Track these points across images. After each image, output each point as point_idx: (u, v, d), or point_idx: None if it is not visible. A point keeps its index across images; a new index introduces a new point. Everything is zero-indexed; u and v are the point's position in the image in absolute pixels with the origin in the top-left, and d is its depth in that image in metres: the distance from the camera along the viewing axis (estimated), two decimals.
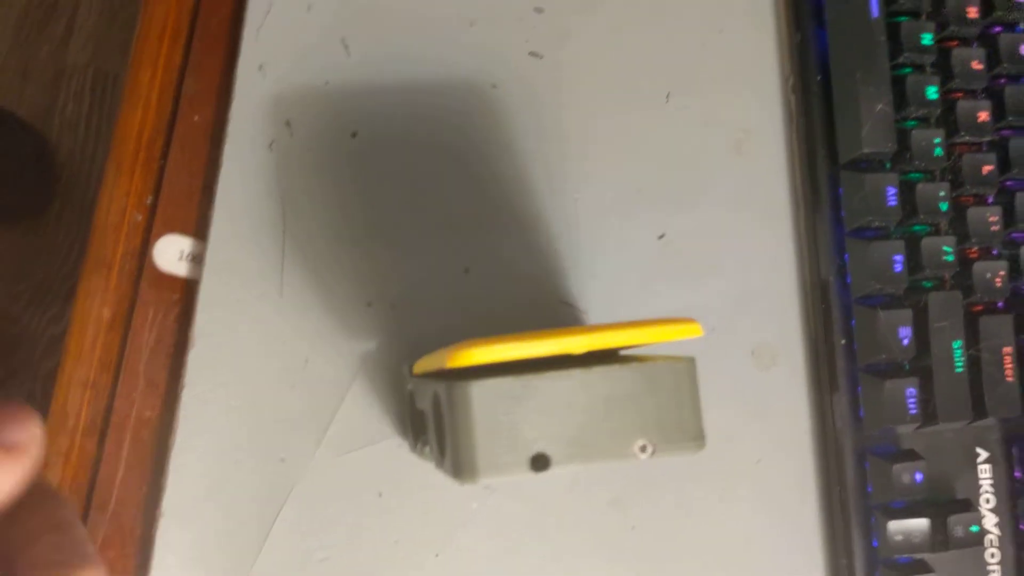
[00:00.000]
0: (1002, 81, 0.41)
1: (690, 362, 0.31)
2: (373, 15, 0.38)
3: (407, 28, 0.38)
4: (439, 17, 0.39)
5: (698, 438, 0.30)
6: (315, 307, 0.36)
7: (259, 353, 0.36)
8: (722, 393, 0.40)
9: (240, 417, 0.36)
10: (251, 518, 0.35)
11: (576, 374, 0.29)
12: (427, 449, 0.33)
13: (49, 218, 1.21)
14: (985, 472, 0.41)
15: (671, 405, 0.30)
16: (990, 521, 0.40)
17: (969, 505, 0.39)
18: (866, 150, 0.39)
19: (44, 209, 1.20)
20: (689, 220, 0.41)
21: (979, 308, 0.40)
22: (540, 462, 0.29)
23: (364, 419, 0.36)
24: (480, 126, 0.39)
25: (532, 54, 0.39)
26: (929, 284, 0.40)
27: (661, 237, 0.40)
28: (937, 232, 0.40)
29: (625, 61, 0.40)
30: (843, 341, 0.40)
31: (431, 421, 0.31)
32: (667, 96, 0.41)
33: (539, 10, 0.40)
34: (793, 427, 0.41)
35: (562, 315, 0.39)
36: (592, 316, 0.39)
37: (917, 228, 0.40)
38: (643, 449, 0.29)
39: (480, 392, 0.28)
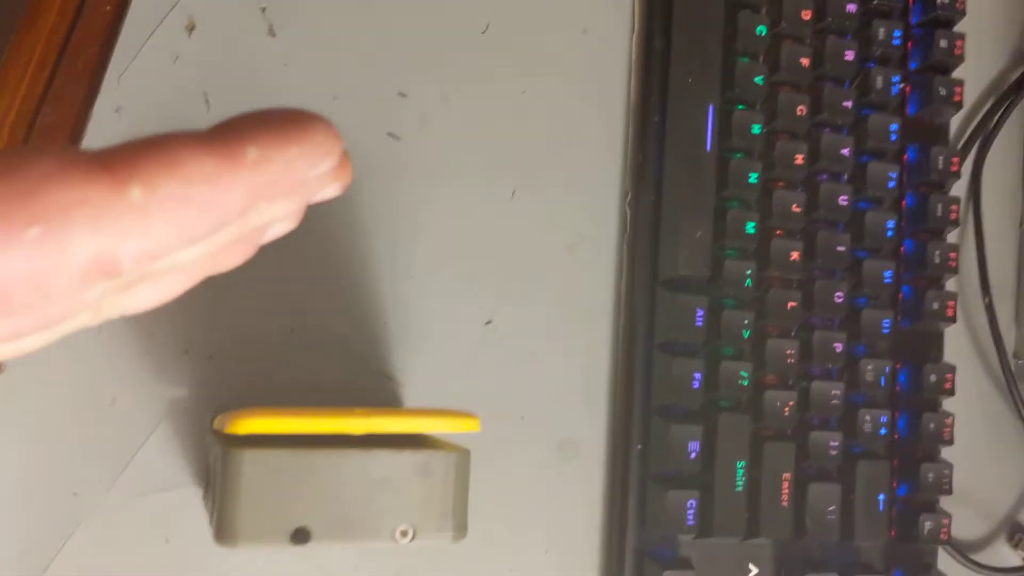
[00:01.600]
0: (822, 226, 0.45)
1: (464, 455, 0.33)
2: (238, 75, 0.40)
3: (270, 93, 0.40)
4: (303, 88, 0.40)
5: (459, 528, 0.32)
6: (130, 347, 0.37)
7: (67, 385, 0.37)
8: (523, 479, 0.42)
9: (40, 446, 0.36)
10: (35, 546, 0.36)
11: (350, 455, 0.31)
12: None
13: None
14: None
15: (438, 494, 0.32)
16: None
17: None
18: (682, 272, 0.42)
19: None
20: (516, 311, 0.43)
21: (768, 433, 0.43)
22: (301, 536, 0.30)
23: (164, 464, 0.37)
24: None
25: (390, 135, 0.41)
26: (726, 404, 0.43)
27: (488, 323, 0.42)
28: (738, 357, 0.43)
29: (478, 154, 0.43)
30: (639, 446, 0.43)
31: (212, 479, 0.33)
32: (512, 193, 0.43)
33: (403, 95, 0.42)
34: (584, 522, 0.43)
35: (381, 387, 0.41)
36: (410, 391, 0.41)
37: (725, 351, 0.43)
38: (404, 534, 0.31)
39: (252, 461, 0.30)
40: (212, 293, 0.39)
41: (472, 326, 0.42)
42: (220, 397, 0.38)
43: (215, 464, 0.32)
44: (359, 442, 0.31)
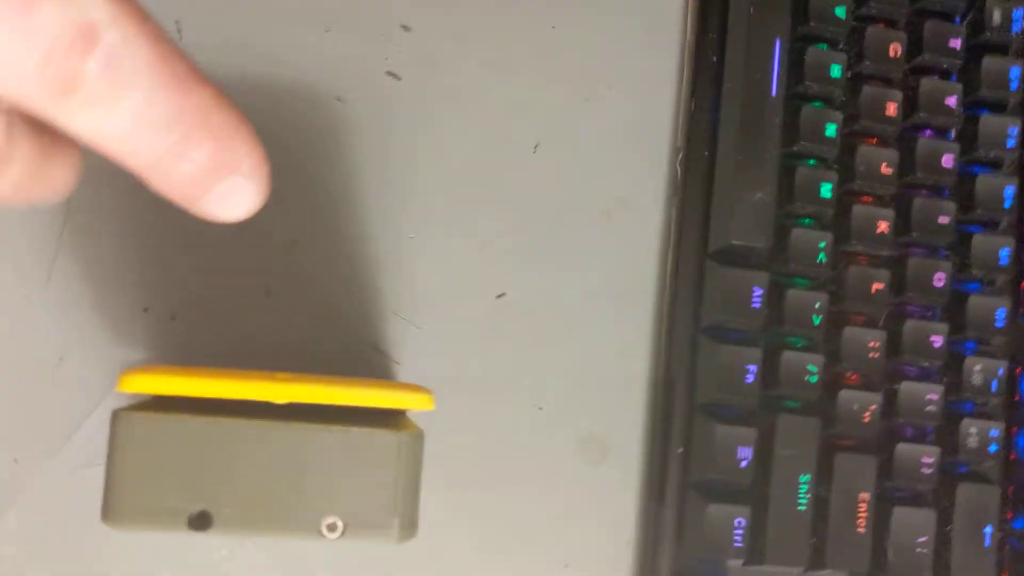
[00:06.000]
0: (920, 192, 0.36)
1: (415, 435, 0.26)
2: (216, 2, 0.35)
3: (253, 22, 0.35)
4: (292, 17, 0.35)
5: (406, 526, 0.26)
6: (83, 300, 0.33)
7: (12, 340, 0.33)
8: (537, 481, 0.36)
9: None
10: None
11: (268, 427, 0.25)
12: None
13: None
14: None
15: (377, 482, 0.26)
16: None
17: None
18: (734, 241, 0.35)
19: None
20: (536, 284, 0.36)
21: (843, 443, 0.35)
22: (201, 521, 0.25)
23: None
24: (315, 139, 0.35)
25: (390, 74, 0.36)
26: (793, 404, 0.35)
27: (500, 296, 0.36)
28: (807, 348, 0.35)
29: (494, 100, 0.37)
30: (680, 449, 0.35)
31: None
32: (535, 146, 0.37)
33: (406, 28, 0.36)
34: (613, 535, 0.36)
35: (371, 361, 0.35)
36: (404, 369, 0.35)
37: (791, 340, 0.35)
38: (332, 528, 0.25)
39: (143, 426, 0.24)
40: (178, 245, 0.34)
41: (481, 298, 0.36)
42: (181, 362, 0.34)
43: None
44: (283, 413, 0.26)
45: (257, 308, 0.34)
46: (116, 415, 0.24)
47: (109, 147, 0.20)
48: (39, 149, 0.20)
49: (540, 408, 0.36)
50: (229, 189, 0.21)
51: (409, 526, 0.26)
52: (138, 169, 0.20)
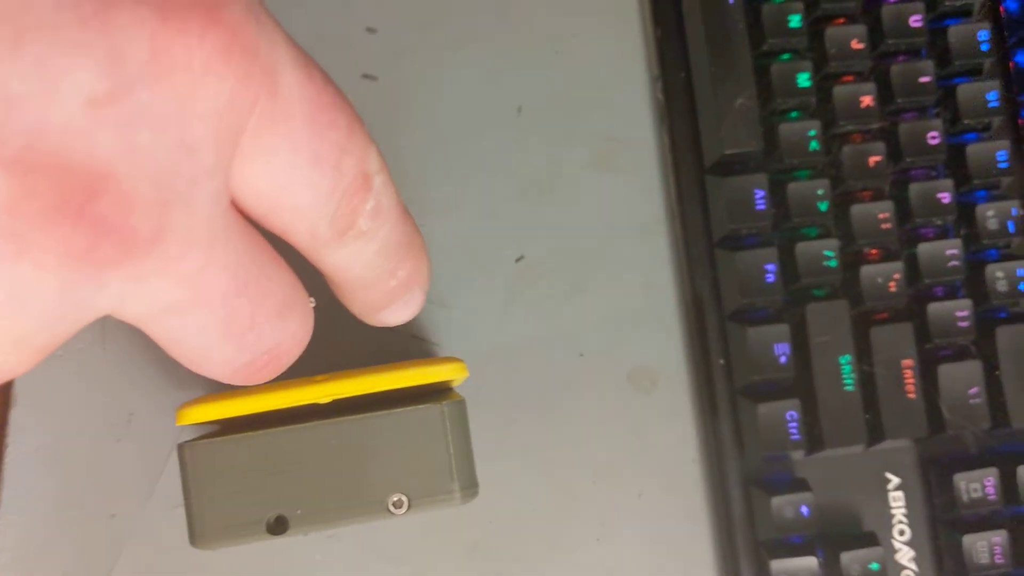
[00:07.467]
0: (896, 58, 0.37)
1: (456, 404, 0.28)
2: None
3: None
4: None
5: (467, 487, 0.28)
6: (139, 357, 0.35)
7: (83, 408, 0.35)
8: (596, 422, 0.37)
9: (66, 475, 0.35)
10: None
11: (316, 427, 0.27)
12: None
13: None
14: (898, 500, 0.36)
15: (428, 453, 0.27)
16: (905, 555, 0.36)
17: (871, 539, 0.35)
18: (728, 151, 0.35)
19: None
20: (551, 241, 0.38)
21: (875, 316, 0.36)
22: (279, 525, 0.27)
23: None
24: None
25: (366, 76, 0.38)
26: (820, 292, 0.36)
27: (519, 260, 0.38)
28: (819, 235, 0.36)
29: (468, 77, 0.38)
30: (721, 361, 0.36)
31: None
32: (518, 110, 0.38)
33: (371, 30, 0.38)
34: (678, 456, 0.37)
35: (412, 350, 0.37)
36: (445, 349, 0.37)
37: (803, 231, 0.36)
38: (398, 504, 0.27)
39: (204, 453, 0.27)
40: None
41: (502, 266, 0.38)
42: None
43: None
44: (329, 412, 0.28)
45: None
46: (181, 448, 0.26)
47: (349, 273, 0.22)
48: None
49: (582, 355, 0.37)
50: (408, 300, 0.24)
51: (469, 487, 0.28)
52: (355, 287, 0.23)
